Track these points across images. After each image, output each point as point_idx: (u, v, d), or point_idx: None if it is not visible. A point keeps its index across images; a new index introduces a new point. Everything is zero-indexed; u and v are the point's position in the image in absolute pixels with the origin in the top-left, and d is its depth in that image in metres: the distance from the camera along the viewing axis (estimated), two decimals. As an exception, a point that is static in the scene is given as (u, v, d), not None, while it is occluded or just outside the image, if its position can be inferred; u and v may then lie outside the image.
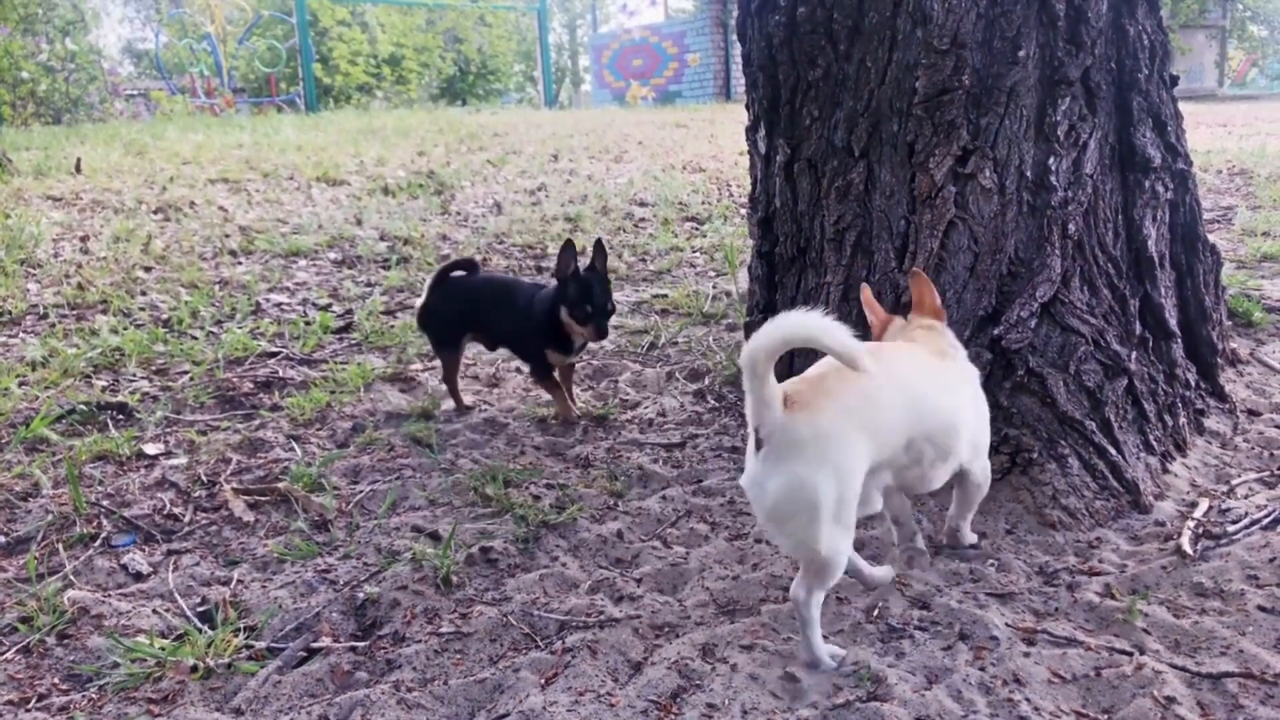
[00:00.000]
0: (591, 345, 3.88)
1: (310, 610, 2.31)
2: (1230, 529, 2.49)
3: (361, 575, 2.47)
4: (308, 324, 4.73)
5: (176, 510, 2.85)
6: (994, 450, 2.72)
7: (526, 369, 3.78)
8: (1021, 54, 2.75)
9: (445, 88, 25.04)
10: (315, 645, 2.18)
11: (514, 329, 3.53)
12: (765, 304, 3.37)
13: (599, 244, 3.33)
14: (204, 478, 3.05)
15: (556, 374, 3.55)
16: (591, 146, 11.48)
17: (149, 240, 6.31)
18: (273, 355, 4.28)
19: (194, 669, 2.06)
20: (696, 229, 7.02)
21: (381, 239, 6.63)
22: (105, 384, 3.88)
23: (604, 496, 2.91)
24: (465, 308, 3.59)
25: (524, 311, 3.46)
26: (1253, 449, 3.00)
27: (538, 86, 25.35)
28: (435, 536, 2.65)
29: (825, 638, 2.06)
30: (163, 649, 2.13)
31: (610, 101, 25.26)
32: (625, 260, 6.09)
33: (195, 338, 4.48)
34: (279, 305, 5.16)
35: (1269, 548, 2.35)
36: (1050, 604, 2.25)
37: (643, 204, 7.90)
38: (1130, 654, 2.02)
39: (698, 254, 6.26)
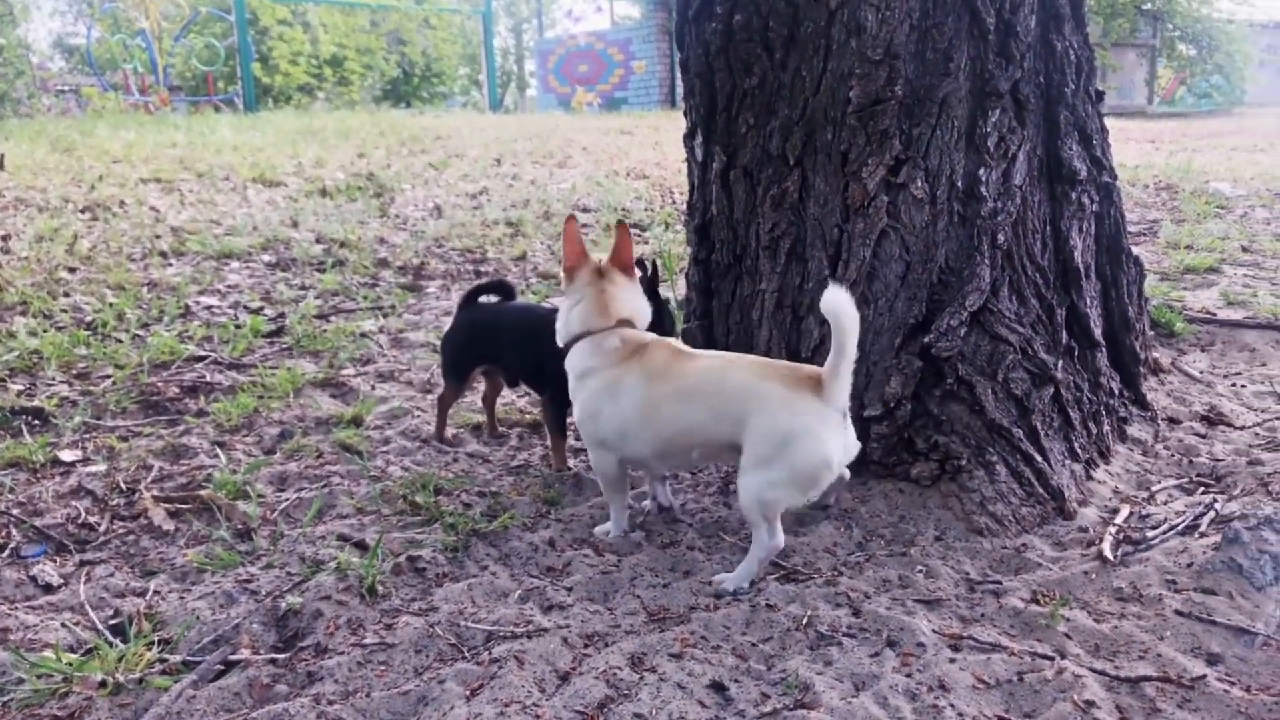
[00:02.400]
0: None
1: (229, 621, 2.24)
2: (1150, 535, 2.54)
3: (284, 585, 2.40)
4: (238, 327, 4.62)
5: (92, 519, 2.75)
6: (924, 457, 2.76)
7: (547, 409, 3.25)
8: (953, 65, 2.79)
9: (389, 90, 24.79)
10: (233, 658, 2.11)
11: (538, 361, 3.06)
12: (702, 311, 3.37)
13: (654, 265, 2.95)
14: (123, 485, 2.95)
15: None
16: (535, 151, 11.43)
17: (74, 240, 6.12)
18: (200, 359, 4.17)
19: (102, 684, 1.98)
20: (638, 235, 7.01)
21: (317, 241, 6.52)
22: (21, 388, 3.74)
23: (537, 504, 2.87)
24: (481, 338, 3.28)
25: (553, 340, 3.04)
26: (1173, 456, 3.08)
27: (482, 90, 25.20)
28: (362, 545, 2.60)
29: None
30: (70, 664, 2.05)
31: (556, 107, 25.21)
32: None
33: (120, 341, 4.34)
34: (209, 308, 5.04)
35: (1187, 553, 2.41)
36: (976, 610, 2.27)
37: (585, 209, 7.88)
38: (1052, 658, 2.05)
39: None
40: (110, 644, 2.14)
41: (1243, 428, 3.26)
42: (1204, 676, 1.98)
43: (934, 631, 2.16)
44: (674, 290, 5.12)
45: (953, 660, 2.06)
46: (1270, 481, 2.78)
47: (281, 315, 4.89)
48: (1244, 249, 5.96)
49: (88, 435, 3.35)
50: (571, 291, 2.66)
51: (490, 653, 2.11)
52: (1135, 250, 3.41)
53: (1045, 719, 1.88)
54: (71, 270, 5.54)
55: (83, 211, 7.04)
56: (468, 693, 1.97)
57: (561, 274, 2.63)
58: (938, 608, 2.28)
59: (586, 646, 2.15)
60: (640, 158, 11.13)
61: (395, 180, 8.87)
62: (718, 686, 1.99)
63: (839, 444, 2.32)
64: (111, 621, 2.26)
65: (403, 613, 2.29)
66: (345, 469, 3.11)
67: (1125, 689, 1.96)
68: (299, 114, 16.60)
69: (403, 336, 4.56)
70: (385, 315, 4.93)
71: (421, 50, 25.42)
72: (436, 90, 26.77)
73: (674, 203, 8.26)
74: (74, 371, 3.95)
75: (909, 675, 2.01)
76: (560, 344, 2.69)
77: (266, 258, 6.12)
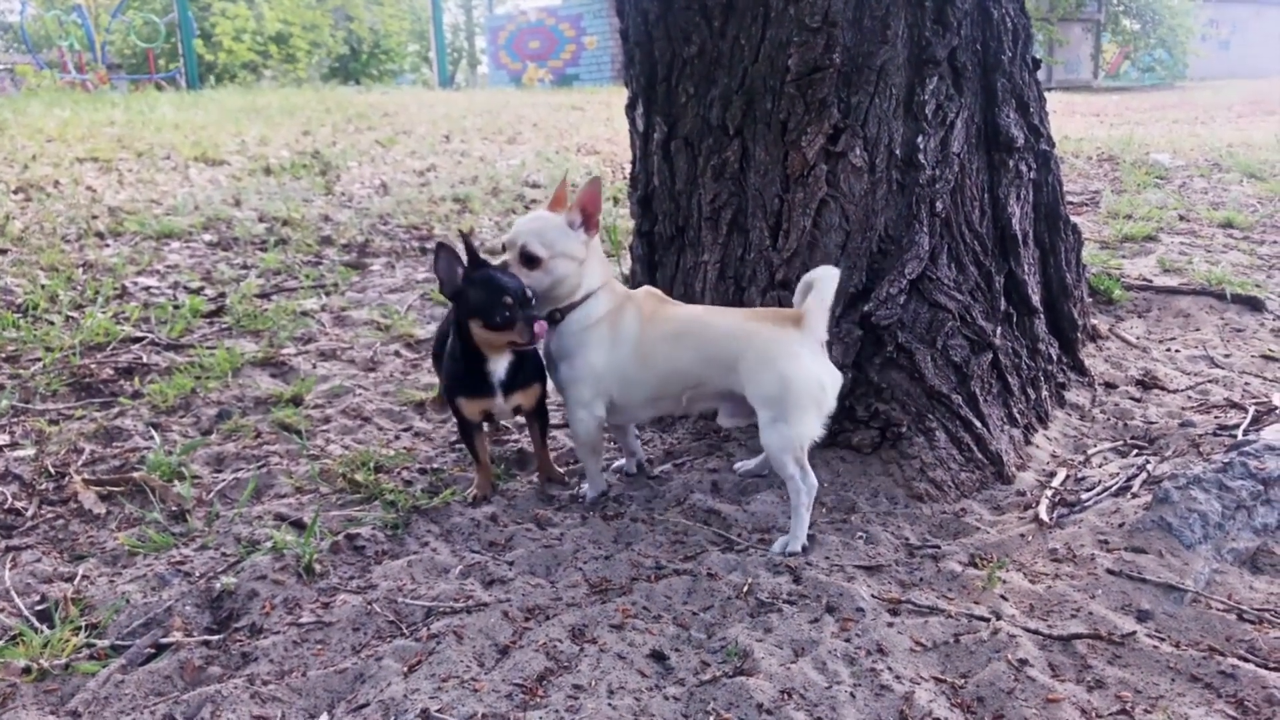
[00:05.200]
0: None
1: (161, 604, 2.19)
2: (1084, 497, 2.58)
3: (219, 566, 2.36)
4: (177, 308, 4.51)
5: (19, 504, 2.68)
6: (864, 424, 2.77)
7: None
8: (890, 33, 2.78)
9: (337, 68, 24.32)
10: (165, 641, 2.07)
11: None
12: (647, 284, 3.34)
13: (462, 235, 2.61)
14: (52, 469, 2.88)
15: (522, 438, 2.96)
16: (485, 128, 11.29)
17: (6, 221, 5.93)
18: (137, 340, 4.07)
19: (26, 670, 1.94)
20: (588, 211, 6.96)
21: (260, 220, 6.38)
22: (-53, 372, 3.63)
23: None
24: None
25: (435, 352, 2.81)
26: (1109, 420, 3.13)
27: (432, 67, 24.84)
28: (299, 525, 2.55)
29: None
30: (-8, 651, 1.99)
31: (507, 83, 24.92)
32: (514, 242, 6.00)
33: (52, 323, 4.22)
34: (147, 289, 4.91)
35: (1119, 513, 2.45)
36: (915, 574, 2.29)
37: (534, 185, 7.80)
38: (988, 619, 2.08)
39: (588, 236, 6.21)
40: (36, 629, 2.09)
41: (1176, 391, 3.32)
42: (1134, 633, 2.01)
43: (873, 596, 2.18)
44: (620, 264, 5.09)
45: (891, 624, 2.08)
46: (1201, 442, 2.83)
47: (222, 295, 4.78)
48: (1181, 218, 6.06)
49: (15, 419, 3.25)
50: (591, 249, 2.58)
51: (429, 628, 2.08)
52: (1077, 219, 3.44)
53: (980, 679, 1.90)
54: (2, 252, 5.37)
55: (15, 192, 6.82)
56: (405, 669, 1.94)
57: (587, 231, 2.54)
58: (877, 573, 2.30)
59: (527, 620, 2.13)
60: (591, 133, 11.04)
61: (341, 158, 8.71)
62: (658, 656, 1.99)
63: (824, 369, 2.41)
64: (38, 607, 2.20)
65: (340, 591, 2.25)
66: (284, 448, 3.06)
67: (1058, 647, 2.00)
68: (243, 92, 16.22)
69: (345, 315, 4.49)
70: (328, 293, 4.84)
71: (369, 26, 24.93)
72: (386, 67, 26.28)
73: (624, 178, 8.20)
74: (2, 355, 3.83)
75: (848, 640, 2.02)
76: (577, 299, 2.56)
77: (207, 237, 5.97)
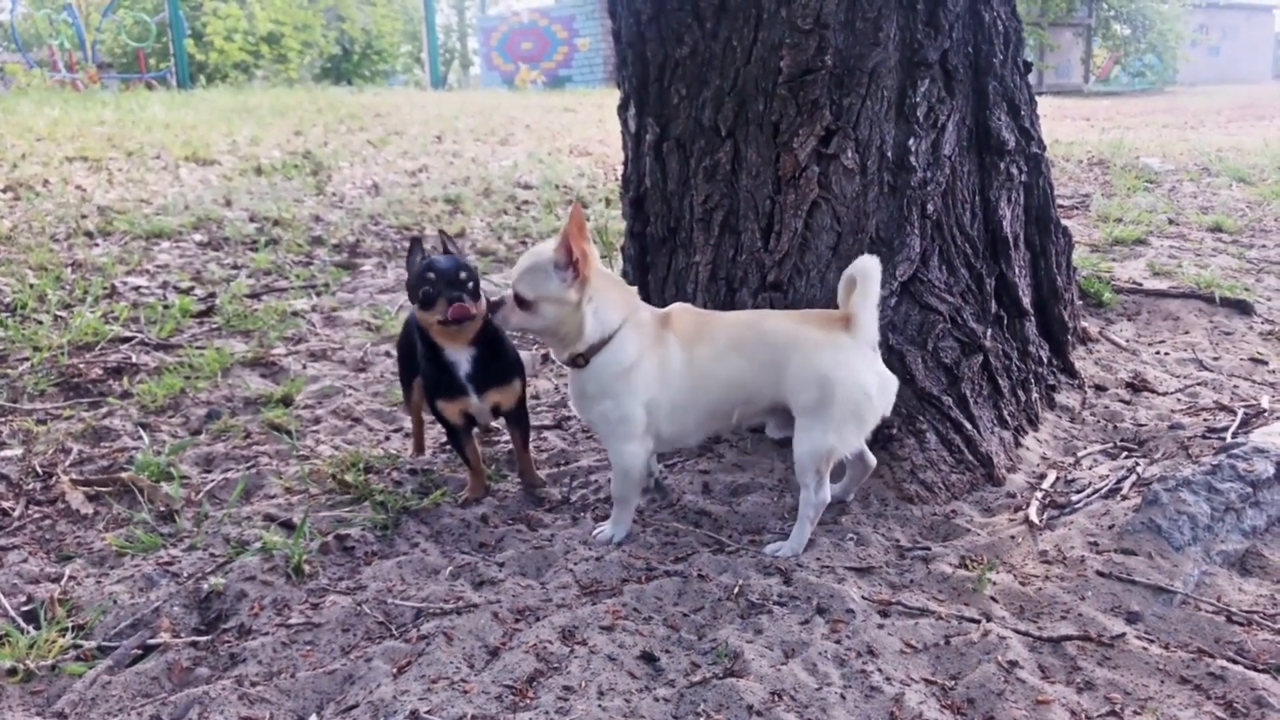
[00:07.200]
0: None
1: (149, 605, 2.18)
2: (1074, 499, 2.59)
3: (207, 567, 2.34)
4: (166, 308, 4.49)
5: (6, 504, 2.66)
6: (855, 427, 2.76)
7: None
8: (882, 35, 2.78)
9: (329, 68, 24.29)
10: (152, 642, 2.06)
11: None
12: (638, 285, 3.34)
13: (443, 234, 2.64)
14: (39, 469, 2.86)
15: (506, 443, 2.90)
16: (477, 129, 11.29)
17: (-7, 220, 5.91)
18: (126, 340, 4.05)
19: (12, 672, 1.92)
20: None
21: (251, 220, 6.37)
22: (-66, 372, 3.61)
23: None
24: (410, 346, 2.83)
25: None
26: (1099, 422, 3.13)
27: (424, 68, 24.82)
28: (289, 525, 2.54)
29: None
30: (-22, 652, 1.98)
31: (499, 85, 24.91)
32: (505, 242, 6.00)
33: (40, 322, 4.20)
34: (137, 288, 4.89)
35: (1109, 515, 2.45)
36: (906, 576, 2.29)
37: (526, 186, 7.80)
38: (978, 621, 2.08)
39: (580, 237, 6.20)
40: (22, 630, 2.08)
41: (1165, 394, 3.33)
42: (1123, 635, 2.02)
43: (864, 598, 2.17)
44: (612, 266, 5.09)
45: (881, 626, 2.08)
46: (1190, 445, 2.84)
47: (212, 295, 4.76)
48: (1171, 221, 6.09)
49: (3, 419, 3.23)
50: (596, 289, 2.34)
51: (419, 630, 2.08)
52: (1068, 223, 3.45)
53: (970, 680, 1.90)
54: (-10, 251, 5.34)
55: (4, 191, 6.79)
56: (395, 670, 1.94)
57: (576, 281, 2.29)
58: (868, 575, 2.30)
59: (517, 621, 2.13)
60: (583, 135, 11.05)
61: (332, 158, 8.69)
62: (648, 657, 1.98)
63: (874, 375, 2.33)
64: (24, 608, 2.19)
65: (330, 592, 2.24)
66: (274, 449, 3.05)
67: (1048, 649, 2.00)
68: (234, 92, 16.18)
69: (336, 315, 4.48)
70: (319, 294, 4.83)
71: (361, 27, 24.92)
72: (378, 68, 26.27)
73: (616, 179, 8.20)
74: (-10, 354, 3.82)
75: (838, 642, 2.02)
76: (594, 343, 2.35)
77: (198, 237, 5.96)
